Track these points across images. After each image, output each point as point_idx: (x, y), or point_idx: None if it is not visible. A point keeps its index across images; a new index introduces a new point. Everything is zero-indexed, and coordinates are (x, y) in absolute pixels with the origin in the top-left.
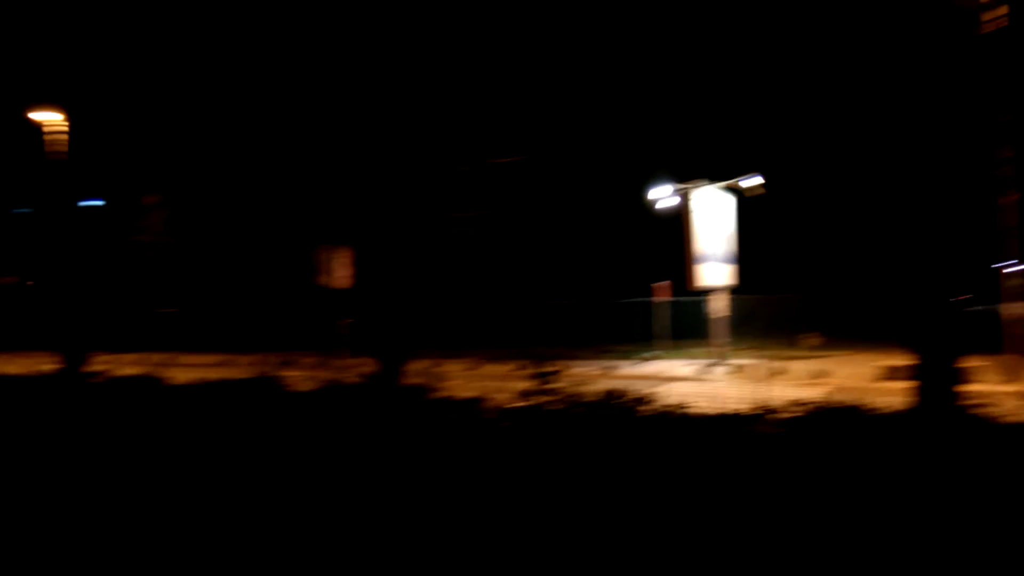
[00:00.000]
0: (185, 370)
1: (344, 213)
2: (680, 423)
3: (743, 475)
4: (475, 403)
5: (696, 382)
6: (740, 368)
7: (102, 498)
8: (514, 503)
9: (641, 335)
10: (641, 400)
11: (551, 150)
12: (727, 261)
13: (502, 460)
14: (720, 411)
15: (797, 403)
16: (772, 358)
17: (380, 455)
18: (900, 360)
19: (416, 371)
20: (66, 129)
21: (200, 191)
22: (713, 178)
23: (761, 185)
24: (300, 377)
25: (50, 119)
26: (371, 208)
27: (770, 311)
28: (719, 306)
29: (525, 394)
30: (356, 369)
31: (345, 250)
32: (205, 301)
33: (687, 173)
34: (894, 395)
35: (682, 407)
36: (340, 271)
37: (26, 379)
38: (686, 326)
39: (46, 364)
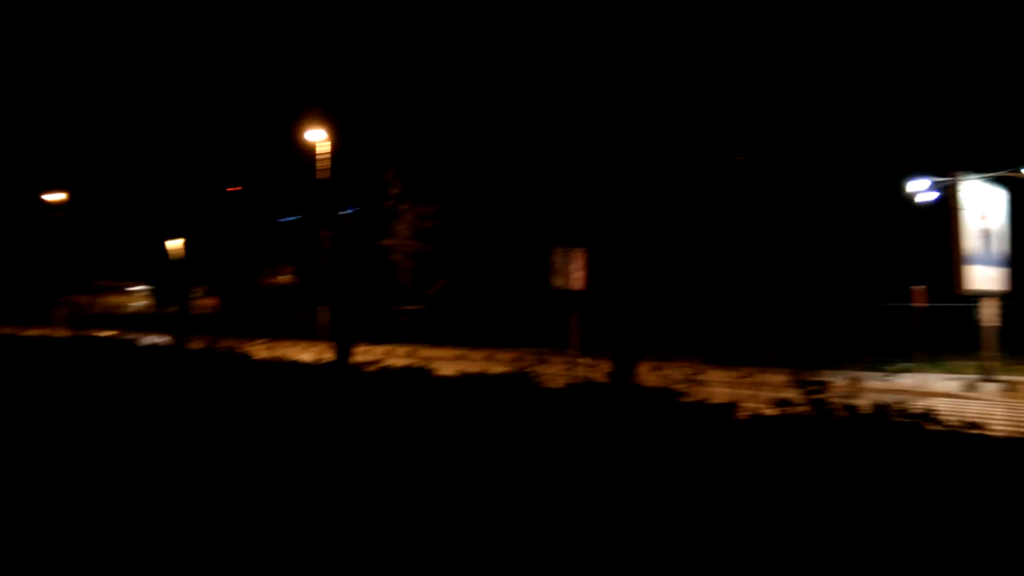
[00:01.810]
0: (438, 362)
1: (580, 216)
2: (987, 446)
3: None
4: (729, 409)
5: (969, 400)
6: (1016, 386)
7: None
8: (807, 525)
9: (889, 344)
10: (922, 416)
11: (794, 144)
12: (997, 263)
13: (781, 475)
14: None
15: None
16: None
17: (651, 458)
18: None
19: (647, 372)
20: (330, 146)
21: (444, 197)
22: (981, 169)
23: None
24: (548, 374)
25: (320, 139)
26: (606, 211)
27: None
28: (988, 314)
29: (781, 403)
30: (593, 368)
31: (579, 252)
32: (443, 299)
33: (950, 164)
34: None
35: (975, 427)
36: (574, 272)
37: (321, 367)
38: (942, 336)
39: (325, 353)
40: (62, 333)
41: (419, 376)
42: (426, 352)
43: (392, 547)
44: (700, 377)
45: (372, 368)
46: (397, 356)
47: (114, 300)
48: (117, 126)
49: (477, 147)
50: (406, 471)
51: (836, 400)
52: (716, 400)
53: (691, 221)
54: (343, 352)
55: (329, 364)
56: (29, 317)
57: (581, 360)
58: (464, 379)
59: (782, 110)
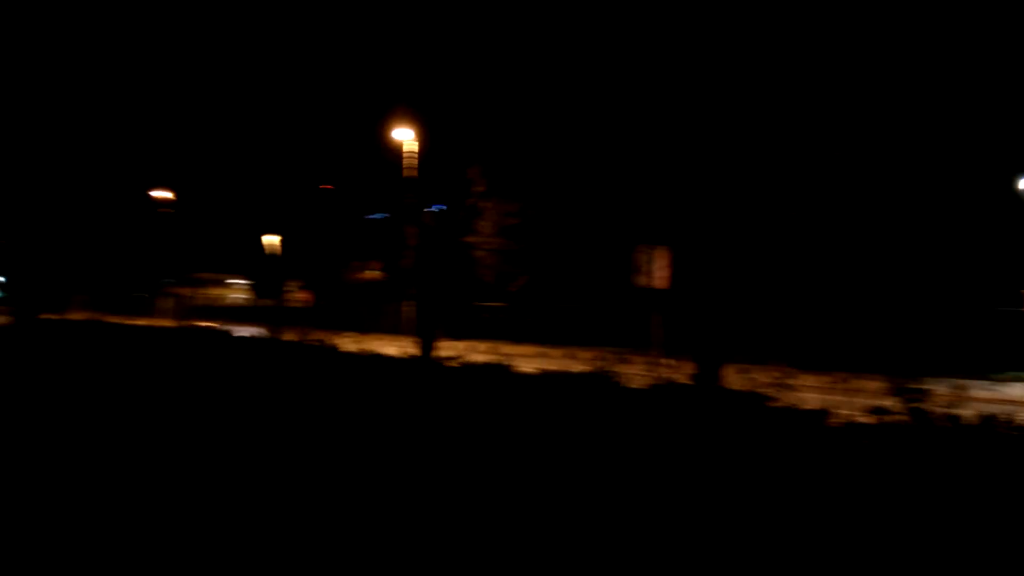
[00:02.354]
0: (518, 359)
1: (665, 213)
2: None
3: None
4: (820, 416)
5: None
6: None
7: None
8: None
9: (998, 351)
10: None
11: (894, 137)
12: None
13: (874, 487)
14: None
15: None
16: None
17: (737, 464)
18: None
19: (733, 374)
20: (417, 146)
21: (527, 194)
22: None
23: None
24: (630, 374)
25: (407, 138)
26: (692, 208)
27: None
28: None
29: (877, 411)
30: (676, 369)
31: (663, 250)
32: (524, 297)
33: None
34: None
35: None
36: (658, 271)
37: (404, 361)
38: None
39: (409, 347)
40: (166, 323)
41: (499, 372)
42: (506, 348)
43: (471, 532)
44: (789, 381)
45: (453, 363)
46: (478, 352)
47: (215, 292)
48: (220, 128)
49: (560, 144)
50: (485, 464)
51: (937, 409)
52: (807, 406)
53: (781, 218)
54: (426, 347)
55: (412, 358)
56: (135, 308)
57: (664, 360)
58: (544, 377)
59: (883, 102)
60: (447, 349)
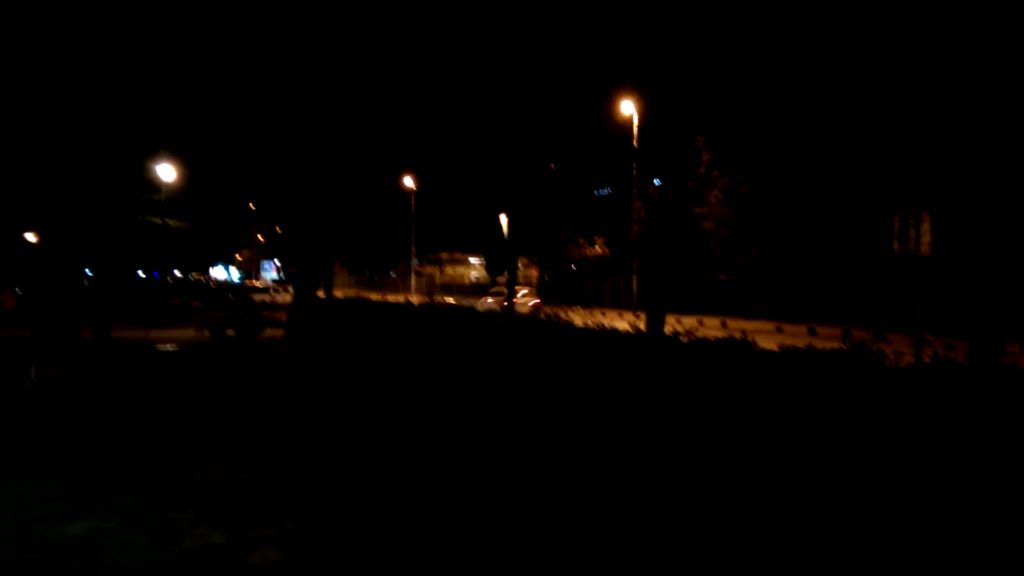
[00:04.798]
0: (754, 335)
1: (927, 170)
2: None
3: None
4: None
5: None
6: None
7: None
8: None
9: None
10: None
11: None
12: None
13: None
14: None
15: None
16: None
17: None
18: None
19: (1019, 354)
20: (639, 117)
21: (759, 159)
22: None
23: None
24: (889, 353)
25: (631, 110)
26: (962, 162)
27: None
28: None
29: None
30: (945, 349)
31: (926, 214)
32: (756, 269)
33: None
34: None
35: None
36: (920, 237)
37: (637, 336)
38: None
39: (638, 322)
40: (416, 299)
41: (741, 348)
42: (737, 324)
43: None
44: None
45: (687, 339)
46: (708, 328)
47: (456, 270)
48: (457, 116)
49: (795, 103)
50: (743, 445)
51: None
52: None
53: None
54: (656, 321)
55: (644, 333)
56: (388, 285)
57: (928, 338)
58: (792, 353)
59: None
60: (676, 324)
